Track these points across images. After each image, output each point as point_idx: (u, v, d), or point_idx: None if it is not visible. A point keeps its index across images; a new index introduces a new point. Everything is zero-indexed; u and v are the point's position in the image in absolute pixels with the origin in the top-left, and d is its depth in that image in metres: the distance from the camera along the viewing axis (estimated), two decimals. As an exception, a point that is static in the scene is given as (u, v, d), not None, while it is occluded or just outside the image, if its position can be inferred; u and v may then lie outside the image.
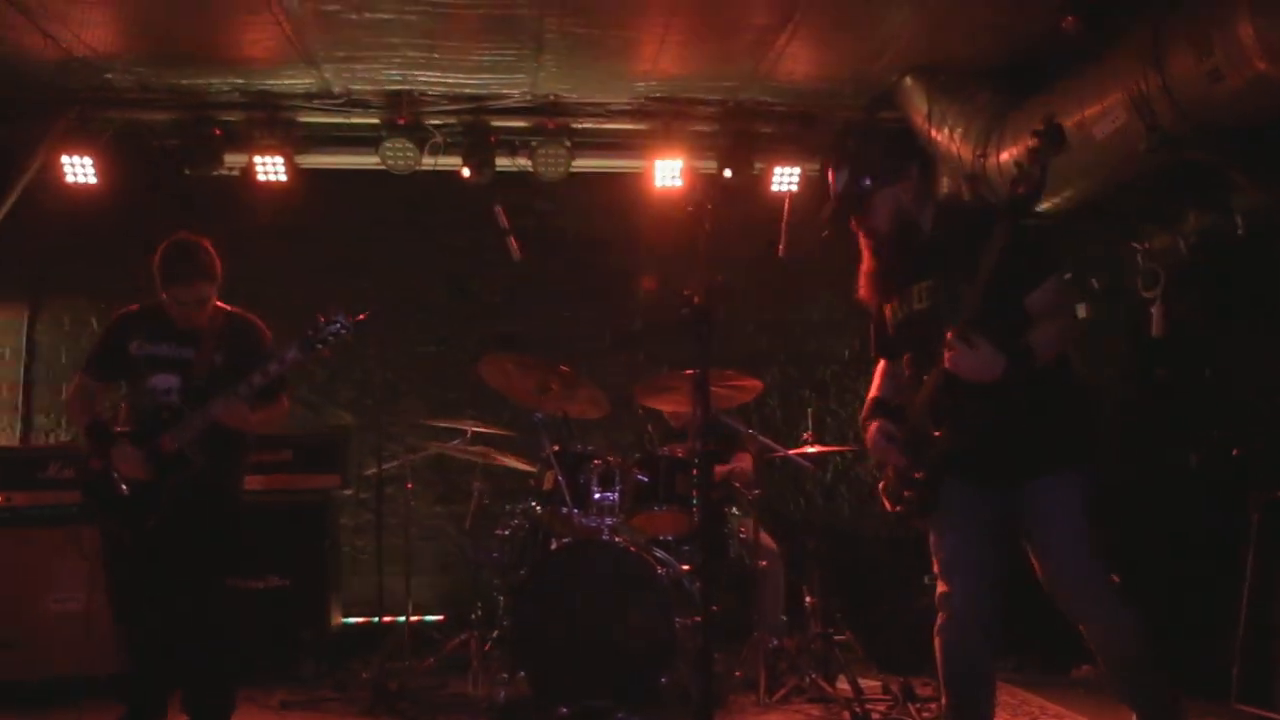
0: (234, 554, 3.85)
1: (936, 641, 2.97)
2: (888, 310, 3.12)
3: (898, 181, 2.98)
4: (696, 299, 2.51)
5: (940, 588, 2.99)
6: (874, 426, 3.08)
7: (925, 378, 2.91)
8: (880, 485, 3.17)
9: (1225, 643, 4.14)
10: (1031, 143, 2.66)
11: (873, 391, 3.24)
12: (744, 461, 5.20)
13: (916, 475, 2.93)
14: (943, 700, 3.03)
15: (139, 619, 3.71)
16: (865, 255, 3.08)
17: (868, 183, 2.96)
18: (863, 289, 3.13)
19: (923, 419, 2.91)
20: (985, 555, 2.95)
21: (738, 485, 5.04)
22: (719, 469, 5.03)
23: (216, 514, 3.71)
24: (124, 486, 3.58)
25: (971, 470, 2.90)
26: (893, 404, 3.11)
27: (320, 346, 3.64)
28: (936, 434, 2.85)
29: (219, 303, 3.82)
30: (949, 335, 2.71)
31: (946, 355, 2.72)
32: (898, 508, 3.05)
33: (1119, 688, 2.98)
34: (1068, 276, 2.76)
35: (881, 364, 3.29)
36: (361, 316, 4.23)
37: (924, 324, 2.93)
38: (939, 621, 2.97)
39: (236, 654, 3.76)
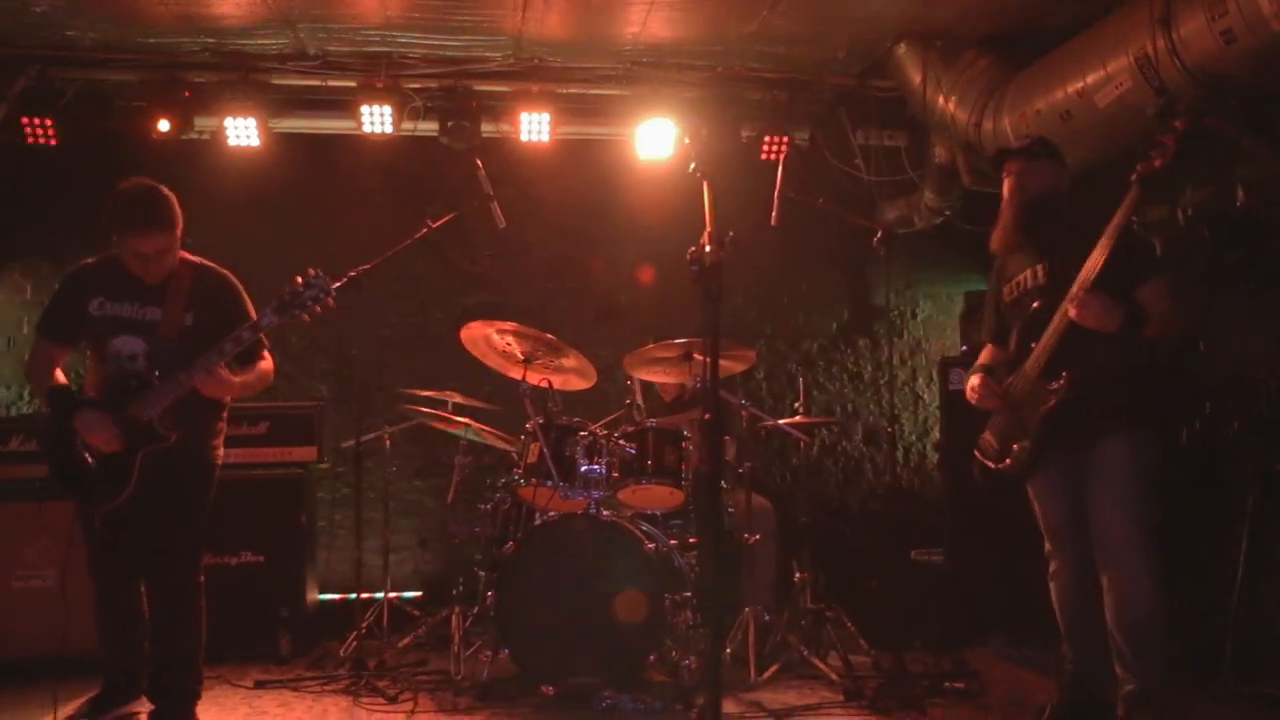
0: (202, 528, 3.60)
1: (1051, 587, 3.49)
2: (1008, 288, 3.55)
3: (1062, 164, 3.47)
4: (706, 259, 2.38)
5: (1048, 545, 3.49)
6: (979, 378, 3.53)
7: (1034, 345, 3.30)
8: (981, 443, 3.58)
9: (1219, 618, 4.10)
10: (1178, 122, 3.15)
11: (978, 362, 3.69)
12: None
13: (1019, 441, 3.37)
14: (1063, 647, 3.47)
15: (110, 593, 3.56)
16: (1005, 213, 3.51)
17: (1050, 148, 3.46)
18: (996, 242, 3.58)
19: (1035, 379, 3.30)
20: (1081, 515, 3.32)
21: (727, 458, 4.93)
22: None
23: (188, 487, 3.52)
24: (89, 459, 3.35)
25: (1066, 430, 3.26)
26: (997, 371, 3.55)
27: (298, 310, 3.45)
28: (1052, 385, 3.23)
29: (185, 254, 3.56)
30: (1074, 289, 3.14)
31: (1071, 307, 3.14)
32: (1002, 463, 3.46)
33: (1122, 650, 3.21)
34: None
35: (988, 348, 3.72)
36: (344, 280, 4.12)
37: (1041, 295, 3.35)
38: (1051, 569, 3.48)
39: (201, 632, 3.58)
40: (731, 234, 2.44)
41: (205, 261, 3.63)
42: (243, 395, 3.63)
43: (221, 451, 3.69)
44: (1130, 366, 3.26)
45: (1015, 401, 3.40)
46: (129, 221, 3.36)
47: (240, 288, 3.67)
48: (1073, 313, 3.14)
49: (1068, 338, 3.21)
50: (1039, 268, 3.42)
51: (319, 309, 3.49)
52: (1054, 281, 3.33)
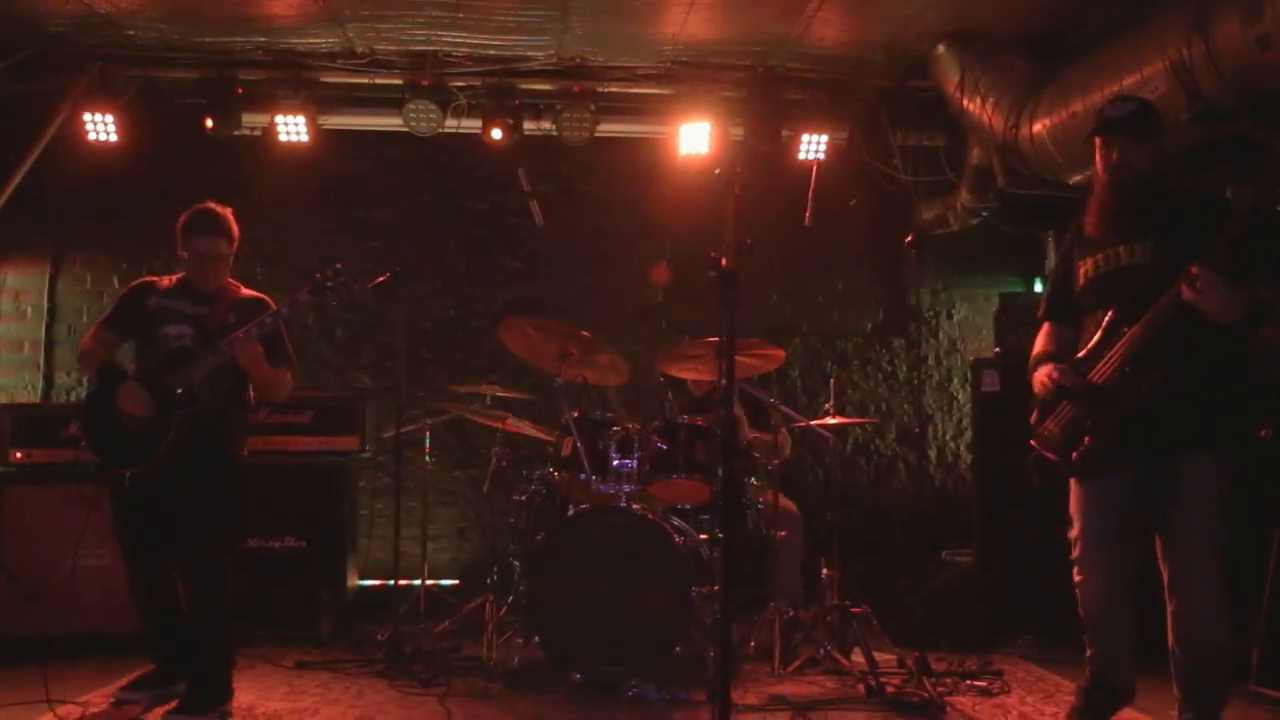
0: (232, 509, 3.84)
1: (1079, 590, 3.21)
2: (1086, 265, 3.20)
3: (1164, 141, 3.13)
4: (724, 261, 2.45)
5: (1081, 549, 3.20)
6: (1047, 368, 3.18)
7: (1127, 329, 2.99)
8: (1041, 433, 3.24)
9: (1245, 625, 4.08)
10: None
11: (1040, 348, 3.35)
12: (781, 436, 5.17)
13: (1092, 436, 3.06)
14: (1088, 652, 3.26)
15: (143, 579, 3.76)
16: (1099, 191, 3.18)
17: (1155, 121, 3.11)
18: (1093, 225, 3.20)
19: (1124, 368, 2.99)
20: (1131, 527, 3.13)
21: (756, 455, 4.99)
22: (762, 437, 5.01)
23: (217, 463, 3.74)
24: (130, 425, 3.61)
25: (1149, 433, 2.98)
26: (1067, 358, 3.20)
27: (330, 289, 3.78)
28: (1145, 379, 2.94)
29: (235, 282, 3.95)
30: (1194, 270, 2.79)
31: (1188, 288, 2.80)
32: (1067, 458, 3.14)
33: (1184, 676, 3.06)
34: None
35: (1047, 328, 3.40)
36: (382, 279, 4.35)
37: (1139, 278, 3.02)
38: (1080, 576, 3.21)
39: (228, 610, 3.72)
40: (750, 240, 2.50)
41: (251, 290, 4.01)
42: (264, 388, 3.87)
43: (246, 442, 3.93)
44: (1231, 370, 2.99)
45: (1096, 392, 3.05)
46: (197, 226, 3.81)
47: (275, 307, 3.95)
48: (1188, 294, 2.81)
49: (1171, 325, 2.89)
50: (1141, 245, 3.06)
51: (346, 293, 3.87)
52: (1162, 262, 2.97)
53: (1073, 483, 3.24)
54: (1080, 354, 3.16)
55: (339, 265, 3.84)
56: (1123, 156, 3.07)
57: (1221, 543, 2.99)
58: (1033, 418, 3.31)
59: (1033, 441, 3.30)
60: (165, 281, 3.93)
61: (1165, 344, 2.93)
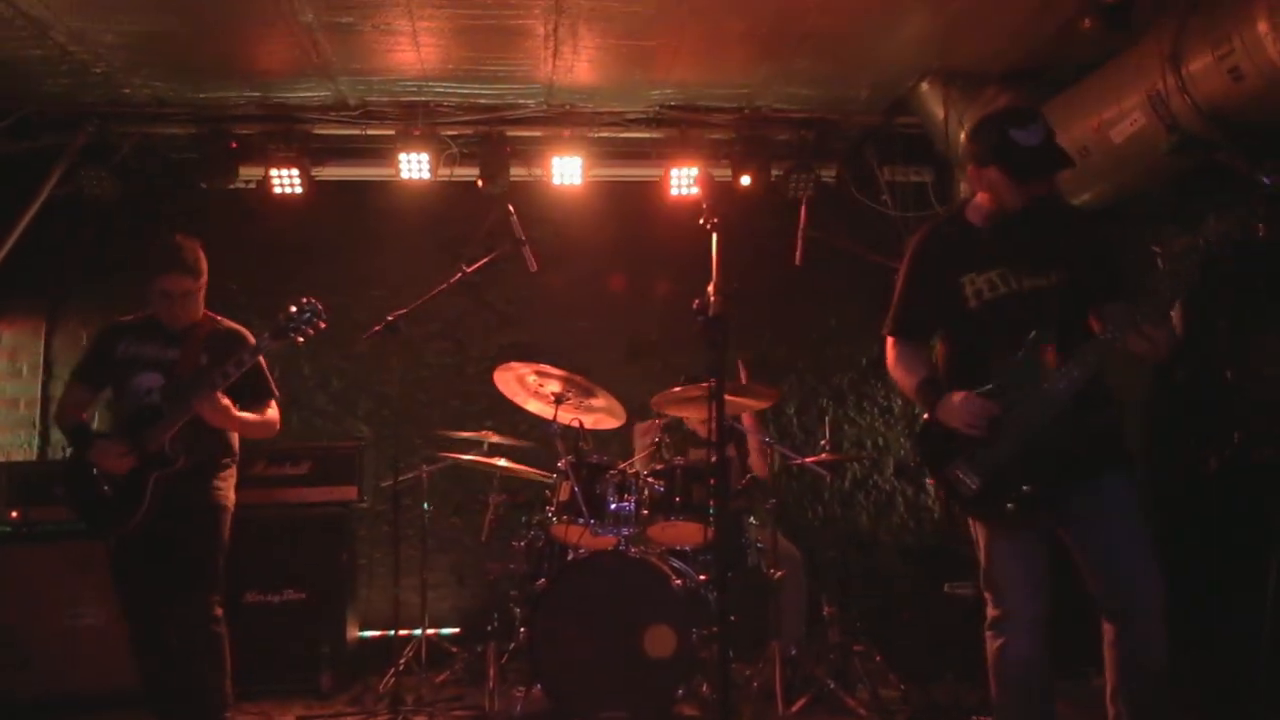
0: (217, 566, 3.74)
1: (996, 666, 2.95)
2: (974, 283, 2.99)
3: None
4: (711, 308, 2.47)
5: (997, 610, 2.95)
6: (961, 397, 2.91)
7: (1041, 357, 2.86)
8: (953, 480, 2.95)
9: (1251, 645, 4.06)
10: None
11: (917, 371, 3.11)
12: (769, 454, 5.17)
13: (1031, 482, 2.86)
14: None
15: (139, 633, 3.73)
16: (1010, 205, 3.00)
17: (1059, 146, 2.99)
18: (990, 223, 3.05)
19: (1061, 403, 2.83)
20: (1048, 574, 2.94)
21: (751, 475, 4.98)
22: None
23: (200, 521, 3.70)
24: (105, 486, 3.59)
25: (1078, 467, 2.86)
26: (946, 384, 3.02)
27: (293, 333, 3.69)
28: (1094, 414, 2.86)
29: (210, 313, 3.87)
30: (1140, 319, 2.74)
31: (1140, 335, 2.74)
32: (999, 509, 2.90)
33: (1129, 698, 2.89)
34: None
35: (904, 346, 3.18)
36: (377, 328, 4.37)
37: (1044, 301, 2.91)
38: (999, 645, 2.94)
39: (222, 663, 3.68)
40: (736, 284, 2.52)
41: (225, 320, 3.92)
42: (246, 433, 3.85)
43: (232, 495, 3.85)
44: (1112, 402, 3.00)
45: (1019, 426, 2.86)
46: (158, 264, 3.71)
47: (252, 338, 3.88)
48: (1137, 346, 2.78)
49: (1102, 360, 2.84)
50: (1050, 274, 2.95)
51: (312, 332, 3.74)
52: (1070, 290, 2.93)
53: (983, 528, 3.00)
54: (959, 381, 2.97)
55: (305, 301, 3.73)
56: (1033, 178, 2.96)
57: (1152, 546, 2.90)
58: (920, 453, 3.12)
59: (942, 491, 3.04)
60: (135, 318, 3.84)
61: (1101, 376, 2.89)
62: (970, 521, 3.06)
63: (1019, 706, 2.96)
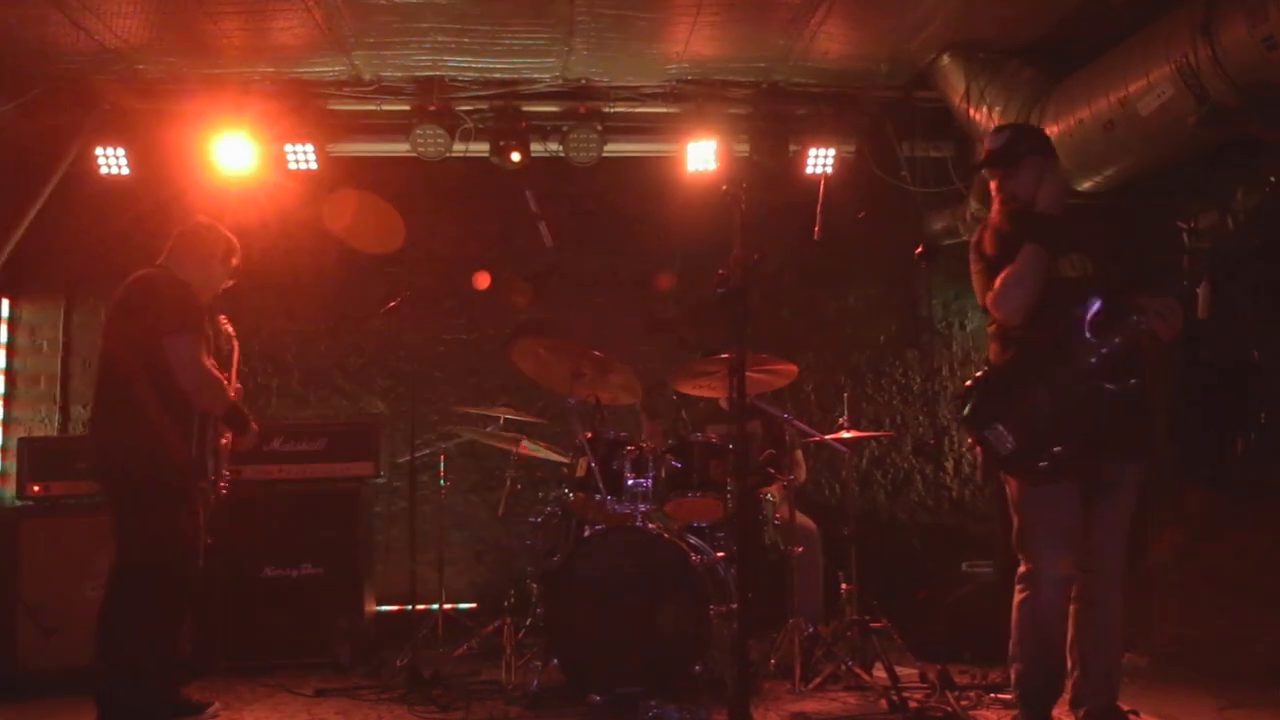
0: (132, 544, 3.84)
1: (1020, 618, 3.25)
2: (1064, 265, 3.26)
3: (1044, 155, 3.35)
4: (732, 280, 2.44)
5: (1027, 567, 3.26)
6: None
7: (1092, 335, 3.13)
8: (993, 438, 3.20)
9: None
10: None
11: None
12: (796, 458, 5.19)
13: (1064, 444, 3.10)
14: (1014, 669, 3.28)
15: None
16: (997, 214, 3.37)
17: (1023, 145, 3.33)
18: (990, 245, 3.32)
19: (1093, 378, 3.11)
20: (1078, 538, 3.22)
21: (772, 471, 4.96)
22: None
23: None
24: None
25: (1090, 438, 3.13)
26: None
27: None
28: (1118, 387, 3.09)
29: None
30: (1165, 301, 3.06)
31: (1162, 314, 3.04)
32: (1035, 463, 3.13)
33: (1108, 666, 3.24)
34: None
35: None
36: (393, 304, 4.36)
37: (1075, 290, 3.17)
38: (1024, 598, 3.25)
39: (129, 644, 3.71)
40: (758, 256, 2.49)
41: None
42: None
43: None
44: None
45: (1060, 392, 3.14)
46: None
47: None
48: (1163, 329, 3.07)
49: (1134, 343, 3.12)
50: (1072, 259, 3.26)
51: None
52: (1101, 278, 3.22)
53: (1018, 486, 3.28)
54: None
55: None
56: (1004, 183, 3.34)
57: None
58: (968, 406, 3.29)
59: (980, 446, 3.28)
60: None
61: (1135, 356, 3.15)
62: (1005, 481, 3.34)
63: (1036, 657, 3.23)
